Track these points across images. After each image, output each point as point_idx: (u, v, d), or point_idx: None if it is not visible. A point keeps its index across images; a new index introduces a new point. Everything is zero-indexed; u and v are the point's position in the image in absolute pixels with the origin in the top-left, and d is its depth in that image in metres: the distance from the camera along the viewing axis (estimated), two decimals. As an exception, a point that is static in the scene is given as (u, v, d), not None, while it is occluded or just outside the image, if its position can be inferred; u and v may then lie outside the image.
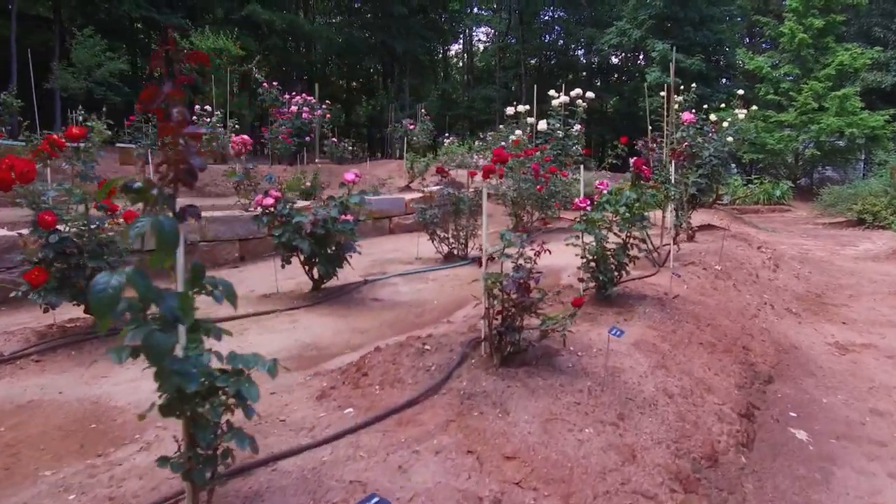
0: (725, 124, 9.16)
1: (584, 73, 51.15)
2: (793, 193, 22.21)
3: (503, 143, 10.30)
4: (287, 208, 5.21)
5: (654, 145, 7.21)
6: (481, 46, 56.60)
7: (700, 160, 9.19)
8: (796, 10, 25.77)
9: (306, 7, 40.84)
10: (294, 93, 17.52)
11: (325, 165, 15.84)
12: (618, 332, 3.18)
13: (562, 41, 50.64)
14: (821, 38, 25.34)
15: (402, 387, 3.06)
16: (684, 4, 31.71)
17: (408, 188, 12.46)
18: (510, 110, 10.49)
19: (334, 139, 16.35)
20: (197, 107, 15.25)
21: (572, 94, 10.23)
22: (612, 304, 4.67)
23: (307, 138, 16.27)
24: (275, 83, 17.15)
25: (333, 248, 5.35)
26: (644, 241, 4.76)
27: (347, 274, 6.25)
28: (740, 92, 9.55)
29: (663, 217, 7.07)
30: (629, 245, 4.74)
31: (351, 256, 5.70)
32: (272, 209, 5.23)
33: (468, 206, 7.24)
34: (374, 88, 44.57)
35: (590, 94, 10.29)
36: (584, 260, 4.64)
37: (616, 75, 49.19)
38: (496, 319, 3.39)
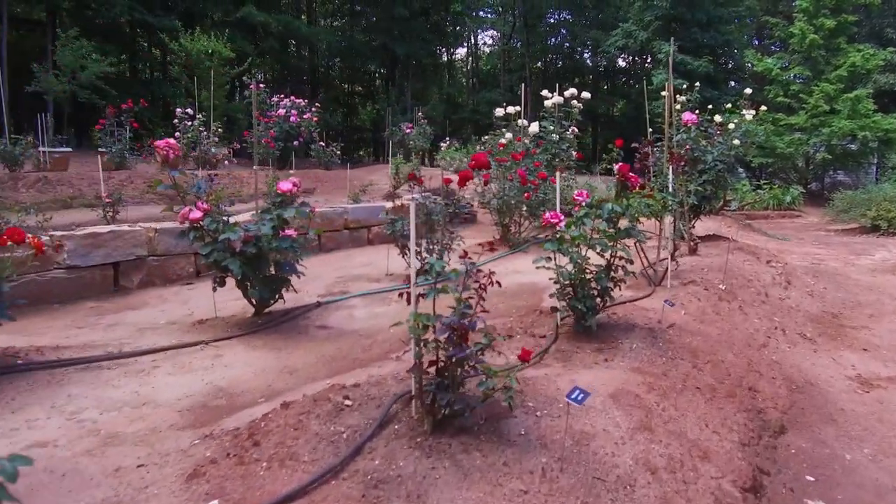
0: (731, 126, 8.40)
1: (591, 77, 50.40)
2: (803, 199, 21.38)
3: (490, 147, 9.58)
4: (216, 224, 4.49)
5: (651, 149, 6.46)
6: (487, 50, 56.03)
7: (704, 165, 8.44)
8: (807, 11, 24.96)
9: (310, 10, 40.33)
10: (283, 95, 16.87)
11: (311, 171, 15.18)
12: (580, 396, 2.42)
13: (567, 44, 49.97)
14: (832, 38, 24.50)
15: (294, 466, 2.32)
16: (691, 5, 30.92)
17: (394, 195, 11.74)
18: (499, 111, 9.76)
19: (322, 143, 15.66)
20: (178, 110, 14.60)
21: (566, 94, 9.50)
22: (593, 338, 3.92)
23: (295, 143, 15.61)
24: (262, 85, 16.51)
25: (271, 269, 4.63)
26: (632, 260, 4.01)
27: (302, 294, 5.54)
28: (748, 91, 8.78)
29: (660, 228, 6.31)
30: (614, 267, 3.99)
31: (299, 277, 5.00)
32: (200, 224, 4.51)
33: (442, 216, 6.51)
34: (377, 92, 43.96)
35: (585, 95, 9.56)
36: (558, 286, 3.89)
37: (623, 78, 48.46)
38: (428, 373, 2.66)
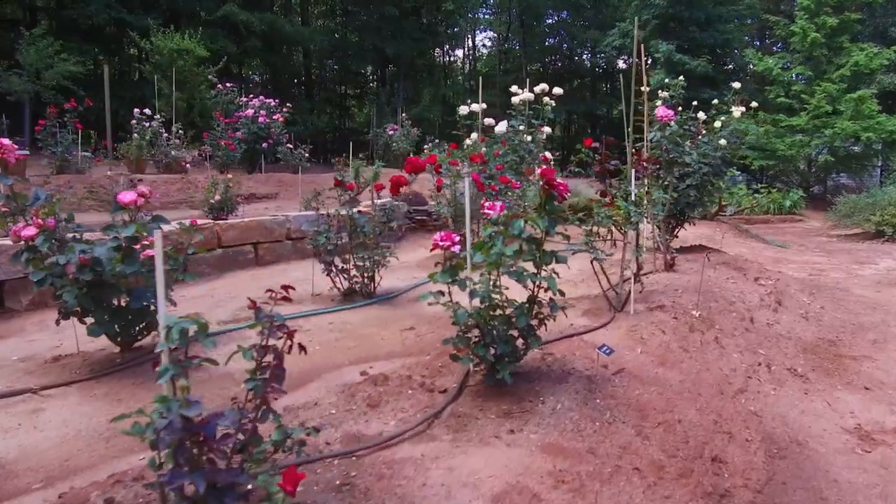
0: (718, 124, 7.49)
1: (590, 78, 49.51)
2: (805, 203, 20.45)
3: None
4: (48, 243, 3.59)
5: (607, 150, 5.51)
6: (486, 52, 55.22)
7: (687, 168, 7.53)
8: (808, 9, 24.04)
9: (304, 11, 39.53)
10: (252, 95, 15.99)
11: (278, 174, 14.28)
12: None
13: (566, 45, 49.18)
14: (834, 37, 23.58)
15: None
16: (689, 4, 30.00)
17: (354, 201, 10.83)
18: (464, 109, 8.86)
19: (289, 145, 14.78)
20: (136, 110, 13.73)
21: (536, 89, 8.61)
22: (507, 395, 3.01)
23: (264, 144, 14.73)
24: (228, 84, 15.63)
25: (123, 298, 3.73)
26: (562, 292, 3.12)
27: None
28: (736, 85, 7.87)
29: (624, 243, 5.40)
30: (537, 300, 3.09)
31: (175, 306, 4.11)
32: (33, 242, 3.62)
33: (373, 228, 5.62)
34: (370, 94, 43.11)
35: (557, 90, 8.67)
36: (460, 331, 2.99)
37: (624, 80, 47.58)
38: None
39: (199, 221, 7.28)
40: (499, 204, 3.07)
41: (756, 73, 28.16)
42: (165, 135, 13.86)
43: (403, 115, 21.94)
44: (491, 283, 2.93)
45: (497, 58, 50.92)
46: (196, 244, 4.37)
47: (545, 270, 3.09)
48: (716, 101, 7.90)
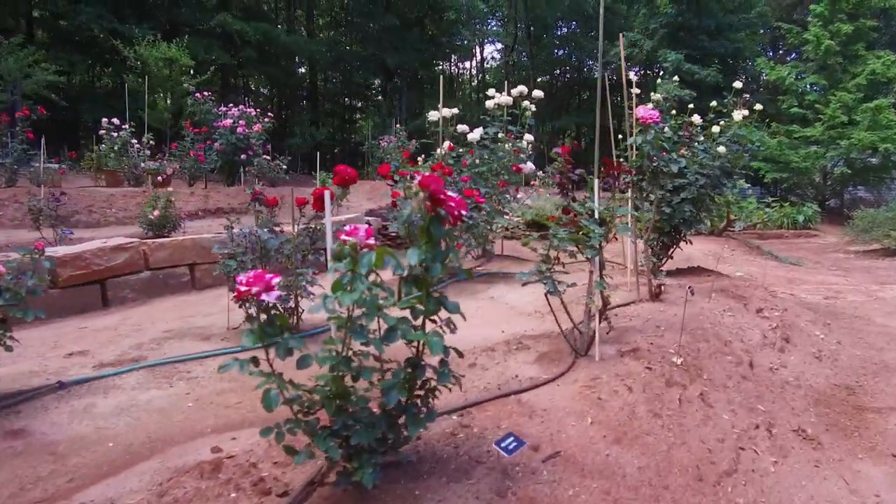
0: (716, 129, 6.53)
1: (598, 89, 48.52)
2: (821, 217, 19.35)
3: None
4: None
5: (568, 159, 4.57)
6: (494, 64, 54.57)
7: (682, 180, 6.56)
8: (822, 16, 23.05)
9: (309, 23, 38.98)
10: (232, 104, 15.20)
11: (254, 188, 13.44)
12: None
13: (574, 56, 48.40)
14: (849, 45, 22.55)
15: None
16: (698, 13, 29.11)
17: (316, 217, 9.95)
18: (433, 115, 7.96)
19: (266, 157, 13.94)
20: (104, 120, 12.96)
21: (514, 92, 7.69)
22: (371, 500, 2.06)
23: (243, 156, 13.90)
24: (207, 93, 14.85)
25: None
26: (458, 352, 2.18)
27: (84, 361, 3.80)
28: (737, 85, 6.91)
29: (590, 271, 4.44)
30: (420, 366, 2.15)
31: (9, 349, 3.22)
32: None
33: (293, 252, 4.71)
34: (374, 105, 42.41)
35: (538, 93, 7.74)
36: (296, 413, 2.05)
37: (641, 93, 46.73)
38: None
39: (123, 241, 6.45)
40: (363, 227, 2.14)
41: (768, 82, 27.18)
42: (137, 145, 13.09)
43: (398, 125, 21.15)
44: (343, 341, 2.00)
45: (504, 69, 50.21)
46: (42, 275, 3.44)
47: (437, 320, 2.16)
48: (714, 103, 6.95)
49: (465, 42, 47.31)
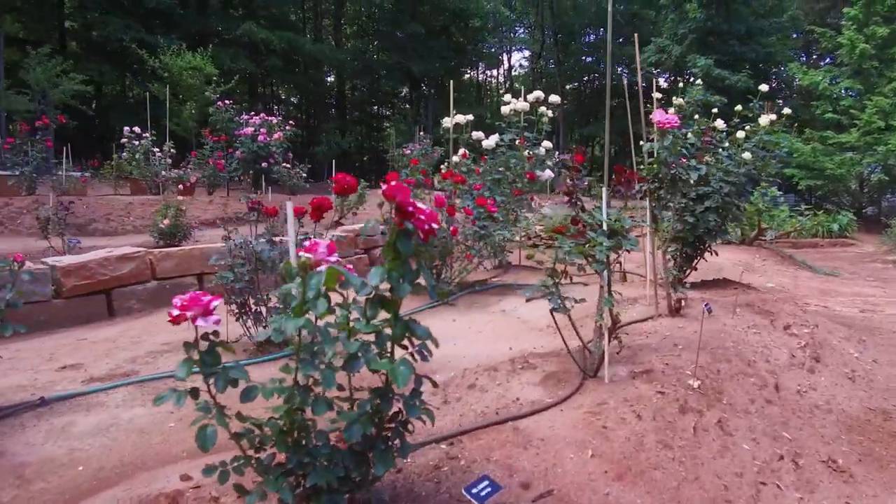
0: (741, 134, 6.21)
1: (629, 97, 48.07)
2: (857, 225, 18.70)
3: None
4: None
5: (576, 166, 4.26)
6: (522, 71, 54.37)
7: (705, 188, 6.26)
8: (856, 19, 22.42)
9: (337, 32, 39.22)
10: (254, 112, 15.20)
11: (275, 196, 13.37)
12: None
13: (602, 63, 47.98)
14: (885, 48, 21.88)
15: None
16: (728, 17, 28.57)
17: (338, 224, 9.82)
18: (447, 122, 7.76)
19: (286, 164, 13.87)
20: (126, 129, 13.01)
21: (531, 97, 7.46)
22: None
23: (264, 164, 13.86)
24: (228, 102, 14.85)
25: None
26: (433, 382, 1.95)
27: (73, 376, 3.67)
28: (764, 88, 6.57)
29: (601, 286, 4.19)
30: (389, 398, 1.92)
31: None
32: None
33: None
34: (402, 113, 42.43)
35: (555, 99, 7.50)
36: (247, 450, 1.84)
37: (666, 98, 46.19)
38: None
39: (130, 250, 6.34)
40: (324, 242, 1.93)
41: (801, 87, 26.52)
42: (159, 154, 13.11)
43: (422, 133, 21.01)
44: (296, 370, 1.78)
45: (532, 77, 49.97)
46: (23, 288, 3.29)
47: (409, 346, 1.94)
48: (739, 107, 6.63)
49: (493, 50, 47.20)
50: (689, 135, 6.46)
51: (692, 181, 4.58)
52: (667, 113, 4.57)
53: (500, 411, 3.05)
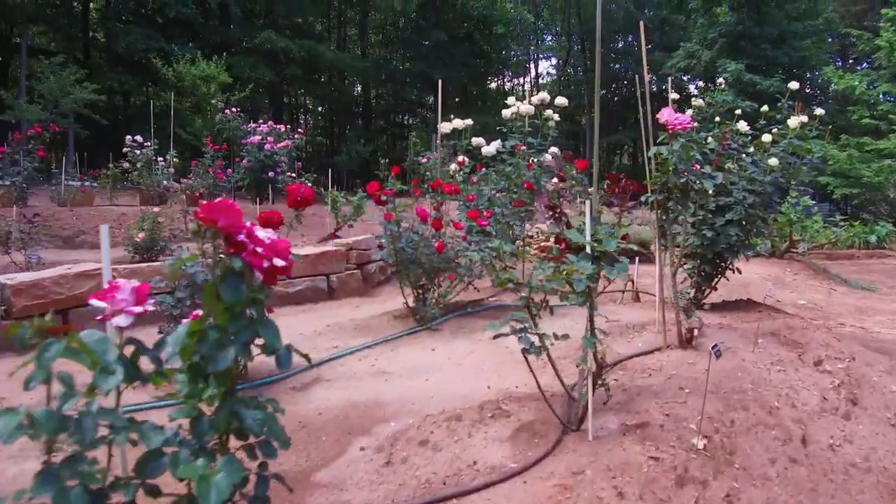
0: (767, 138, 5.52)
1: (658, 105, 47.10)
2: (896, 236, 17.64)
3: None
4: None
5: (560, 173, 3.60)
6: (550, 80, 53.65)
7: (725, 198, 5.58)
8: (895, 20, 21.34)
9: (363, 41, 38.98)
10: (260, 121, 14.80)
11: (279, 206, 12.94)
12: None
13: (630, 70, 47.20)
14: (926, 51, 20.81)
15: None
16: (760, 20, 27.57)
17: (333, 236, 9.26)
18: (445, 126, 7.18)
19: (291, 174, 13.41)
20: (128, 138, 12.67)
21: (535, 100, 6.84)
22: None
23: (270, 174, 13.42)
24: (234, 109, 14.47)
25: None
26: None
27: None
28: (793, 86, 5.88)
29: (587, 318, 3.57)
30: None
31: None
32: None
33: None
34: (425, 122, 41.97)
35: (561, 101, 6.86)
36: None
37: (674, 96, 45.34)
38: None
39: (90, 267, 5.88)
40: (129, 284, 1.35)
41: (837, 92, 25.44)
42: (162, 162, 12.76)
43: (439, 142, 20.49)
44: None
45: (559, 84, 49.28)
46: None
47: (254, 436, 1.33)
48: (765, 108, 5.94)
49: (519, 56, 46.63)
50: (710, 139, 5.81)
51: (708, 191, 3.91)
52: (672, 111, 3.93)
53: (447, 481, 2.44)
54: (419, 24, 33.24)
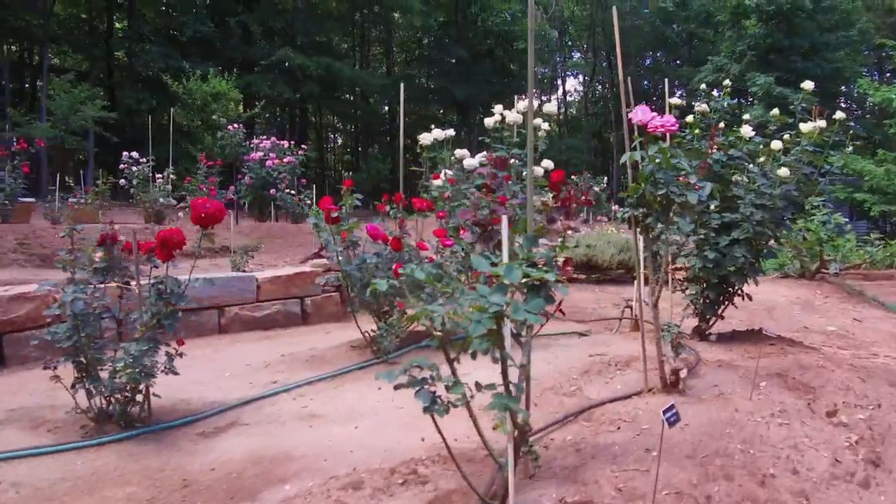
0: (777, 145, 4.82)
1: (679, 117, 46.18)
2: (938, 255, 16.48)
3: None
4: None
5: (488, 183, 2.92)
6: (577, 97, 53.00)
7: (730, 214, 4.89)
8: (935, 29, 20.37)
9: (388, 60, 38.90)
10: (264, 137, 14.43)
11: (276, 224, 12.49)
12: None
13: (660, 87, 46.30)
14: (969, 60, 19.76)
15: None
16: (790, 32, 26.63)
17: (317, 255, 8.73)
18: (426, 137, 6.61)
19: (291, 191, 12.94)
20: (125, 154, 12.36)
21: (521, 105, 6.23)
22: None
23: (272, 191, 12.99)
24: (236, 125, 14.12)
25: None
26: None
27: None
28: (808, 86, 5.18)
29: (503, 370, 2.92)
30: None
31: None
32: None
33: (141, 313, 3.42)
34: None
35: (551, 108, 6.23)
36: None
37: (676, 101, 44.51)
38: None
39: (27, 289, 5.39)
40: None
41: (873, 106, 24.34)
42: (160, 179, 12.41)
43: (454, 157, 20.00)
44: None
45: (585, 101, 48.62)
46: None
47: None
48: (776, 111, 5.25)
49: (545, 73, 46.08)
50: (715, 149, 5.13)
51: (692, 204, 3.23)
52: (646, 109, 3.28)
53: None
54: (441, 42, 32.96)
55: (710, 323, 5.26)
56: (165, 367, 3.55)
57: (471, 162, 6.10)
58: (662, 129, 3.45)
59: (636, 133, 3.51)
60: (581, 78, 50.60)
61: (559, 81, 50.46)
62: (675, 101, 5.73)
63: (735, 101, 31.88)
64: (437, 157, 6.44)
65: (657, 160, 3.22)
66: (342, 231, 4.83)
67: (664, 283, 3.60)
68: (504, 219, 2.27)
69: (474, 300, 2.04)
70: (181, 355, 3.65)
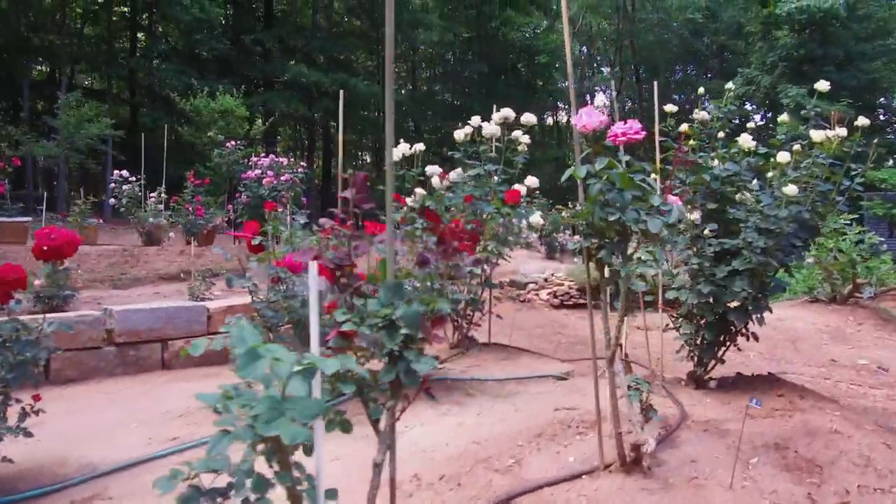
0: (784, 157, 4.04)
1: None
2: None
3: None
4: None
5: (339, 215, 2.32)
6: (607, 112, 52.16)
7: (729, 240, 4.13)
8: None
9: (414, 77, 38.55)
10: (263, 154, 13.94)
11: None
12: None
13: (689, 103, 45.28)
14: None
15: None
16: (824, 41, 25.51)
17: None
18: (395, 153, 5.93)
19: (286, 210, 12.39)
20: (115, 172, 11.97)
21: (497, 117, 5.53)
22: None
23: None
24: (235, 142, 13.67)
25: None
26: None
27: None
28: (822, 86, 4.38)
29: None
30: None
31: None
32: None
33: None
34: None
35: (529, 118, 5.52)
36: None
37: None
38: None
39: None
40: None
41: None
42: (153, 198, 11.98)
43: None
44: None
45: (612, 116, 47.56)
46: None
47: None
48: (784, 116, 4.47)
49: (568, 86, 45.31)
50: (716, 163, 4.40)
51: (653, 232, 2.50)
52: (594, 110, 2.57)
53: None
54: (462, 57, 32.48)
55: (709, 368, 4.47)
56: (15, 428, 2.93)
57: (453, 176, 5.45)
58: (624, 139, 2.73)
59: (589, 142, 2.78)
60: (609, 93, 49.78)
61: (588, 96, 49.64)
62: (670, 107, 5.03)
63: (769, 113, 30.80)
64: (405, 174, 5.75)
65: (607, 176, 2.49)
66: (271, 260, 4.18)
67: (615, 339, 2.84)
68: (312, 266, 1.59)
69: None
70: (37, 412, 3.03)
